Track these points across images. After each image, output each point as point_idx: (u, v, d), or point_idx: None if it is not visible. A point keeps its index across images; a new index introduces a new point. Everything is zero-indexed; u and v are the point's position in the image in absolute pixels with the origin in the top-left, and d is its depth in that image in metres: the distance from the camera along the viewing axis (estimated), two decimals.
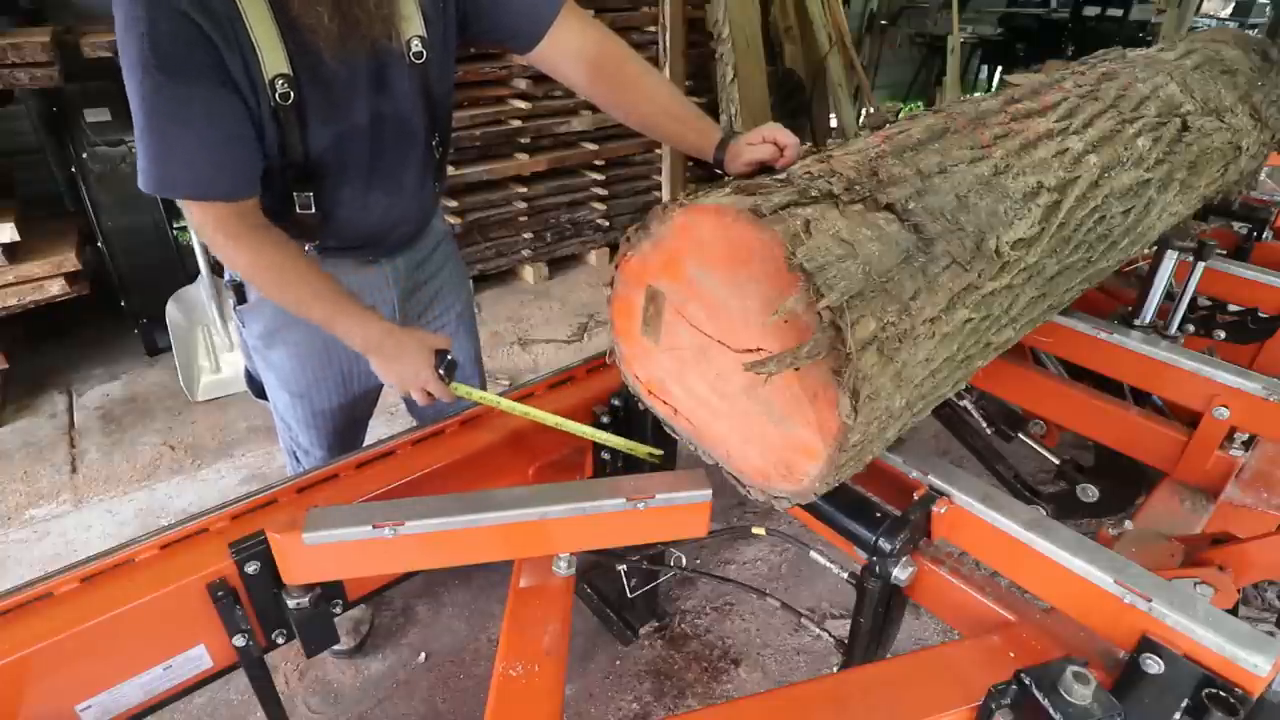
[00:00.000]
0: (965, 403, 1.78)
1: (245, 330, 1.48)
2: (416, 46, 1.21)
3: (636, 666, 1.88)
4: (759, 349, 0.89)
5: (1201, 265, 1.56)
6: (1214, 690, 0.81)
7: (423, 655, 1.91)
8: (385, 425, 2.62)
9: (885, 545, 1.03)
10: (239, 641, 1.06)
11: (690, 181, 4.16)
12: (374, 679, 1.85)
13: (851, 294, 0.81)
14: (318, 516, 1.02)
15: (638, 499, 1.05)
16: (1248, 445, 1.35)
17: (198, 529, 1.11)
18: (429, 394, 1.27)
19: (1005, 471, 1.85)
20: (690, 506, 1.08)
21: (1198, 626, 0.82)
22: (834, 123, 4.72)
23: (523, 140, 3.62)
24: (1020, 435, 1.74)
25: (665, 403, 1.10)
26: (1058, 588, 0.96)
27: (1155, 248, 1.54)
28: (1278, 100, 1.80)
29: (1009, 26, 7.33)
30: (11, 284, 2.61)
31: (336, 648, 1.86)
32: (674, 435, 1.14)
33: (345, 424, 1.63)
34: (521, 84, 3.51)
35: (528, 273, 3.96)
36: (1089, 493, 1.62)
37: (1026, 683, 0.82)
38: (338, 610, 1.17)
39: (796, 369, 0.85)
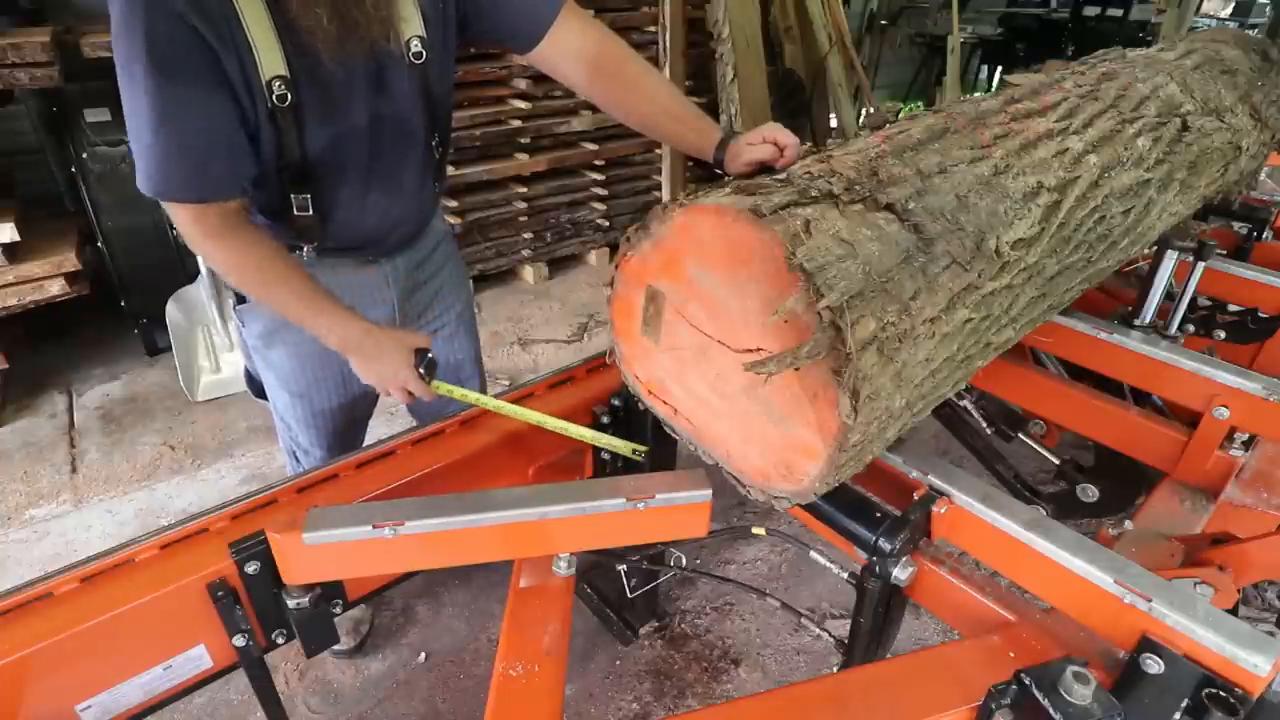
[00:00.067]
0: (965, 403, 1.78)
1: (245, 330, 1.48)
2: (416, 47, 1.21)
3: (636, 666, 1.88)
4: (759, 349, 0.89)
5: (1201, 265, 1.56)
6: (1214, 690, 0.81)
7: (423, 655, 1.91)
8: (385, 425, 2.62)
9: (885, 545, 1.03)
10: (239, 641, 1.06)
11: (690, 181, 4.16)
12: (374, 679, 1.85)
13: (851, 294, 0.81)
14: (318, 516, 1.02)
15: (638, 499, 1.05)
16: (1248, 445, 1.35)
17: (198, 529, 1.11)
18: (409, 393, 1.27)
19: (1005, 471, 1.85)
20: (690, 506, 1.08)
21: (1198, 626, 0.82)
22: (834, 123, 4.72)
23: (523, 140, 3.62)
24: (1020, 435, 1.74)
25: (665, 403, 1.10)
26: (1058, 588, 0.96)
27: (1155, 248, 1.54)
28: (1278, 100, 1.80)
29: (1009, 26, 7.33)
30: (11, 284, 2.61)
31: (336, 648, 1.86)
32: (674, 435, 1.14)
33: (345, 424, 1.63)
34: (521, 84, 3.51)
35: (528, 273, 3.96)
36: (1089, 493, 1.62)
37: (1026, 683, 0.82)
38: (338, 610, 1.17)
39: (796, 369, 0.85)
